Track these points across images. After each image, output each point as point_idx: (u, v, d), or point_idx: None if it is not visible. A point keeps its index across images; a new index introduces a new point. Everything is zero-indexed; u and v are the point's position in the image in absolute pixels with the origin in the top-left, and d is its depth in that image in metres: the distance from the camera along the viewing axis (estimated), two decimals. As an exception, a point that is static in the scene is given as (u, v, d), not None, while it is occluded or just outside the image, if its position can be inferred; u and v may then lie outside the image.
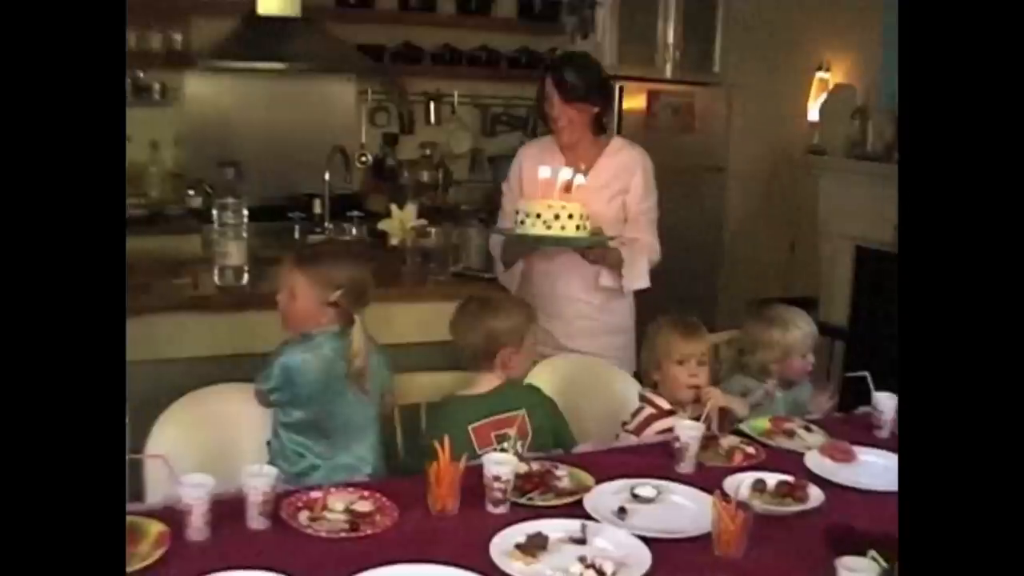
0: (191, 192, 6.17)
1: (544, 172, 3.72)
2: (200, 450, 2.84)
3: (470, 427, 2.97)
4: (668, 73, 7.03)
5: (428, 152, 7.01)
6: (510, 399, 3.10)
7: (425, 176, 6.87)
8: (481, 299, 3.24)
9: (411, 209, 4.74)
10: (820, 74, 7.13)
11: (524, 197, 3.88)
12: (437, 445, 2.52)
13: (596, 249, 3.80)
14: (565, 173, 3.69)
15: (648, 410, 3.20)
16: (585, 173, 3.85)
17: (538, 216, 3.56)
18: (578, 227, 3.58)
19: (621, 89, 6.80)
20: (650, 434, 3.14)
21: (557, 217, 3.55)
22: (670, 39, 6.98)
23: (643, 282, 4.05)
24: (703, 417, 2.97)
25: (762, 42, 7.16)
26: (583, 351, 3.87)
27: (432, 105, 7.07)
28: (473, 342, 3.12)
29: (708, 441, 2.94)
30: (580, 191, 3.78)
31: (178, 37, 6.24)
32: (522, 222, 3.61)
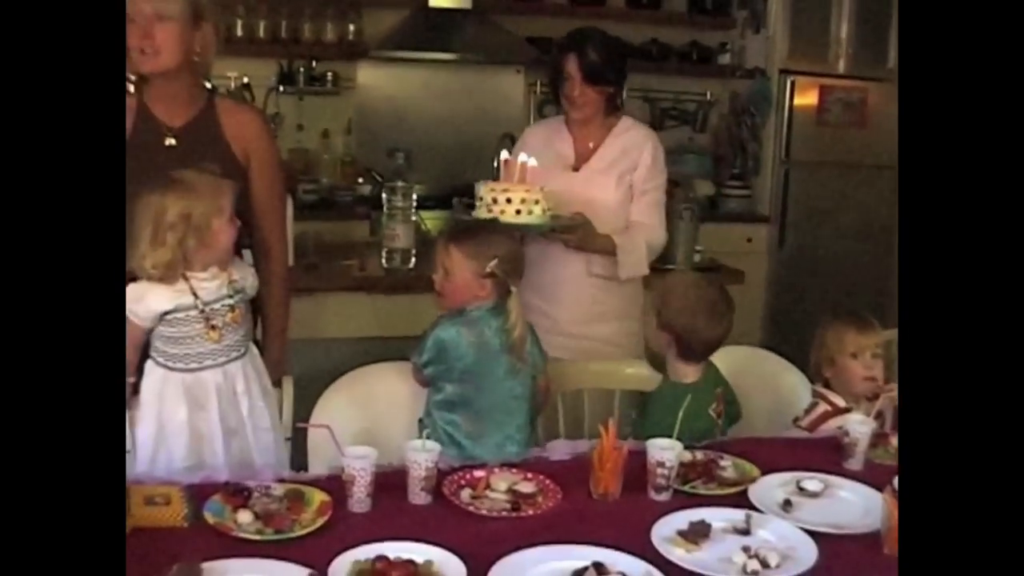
0: (361, 180, 6.26)
1: (504, 154, 3.66)
2: (358, 427, 2.87)
3: (711, 410, 3.00)
4: (841, 68, 6.87)
5: (596, 145, 6.98)
6: (714, 375, 3.16)
7: (593, 168, 6.84)
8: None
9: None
10: (1001, 69, 6.91)
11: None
12: (602, 429, 2.51)
13: (573, 234, 3.60)
14: (523, 157, 3.57)
15: (823, 406, 3.12)
16: (592, 152, 3.80)
17: (481, 199, 3.49)
18: (519, 211, 3.42)
19: (792, 84, 6.72)
20: (825, 431, 3.06)
21: (495, 201, 3.44)
22: (843, 33, 6.83)
23: (640, 269, 3.80)
24: (873, 413, 2.89)
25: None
26: (590, 337, 3.68)
27: (601, 98, 7.03)
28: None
29: (878, 439, 2.85)
30: (586, 171, 3.76)
31: (352, 28, 6.32)
32: (489, 210, 3.49)
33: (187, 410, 2.67)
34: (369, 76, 6.55)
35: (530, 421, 3.02)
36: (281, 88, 6.32)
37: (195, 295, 2.65)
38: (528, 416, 3.00)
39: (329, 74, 6.39)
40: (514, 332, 2.92)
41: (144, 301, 2.62)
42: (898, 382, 1.72)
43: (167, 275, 2.62)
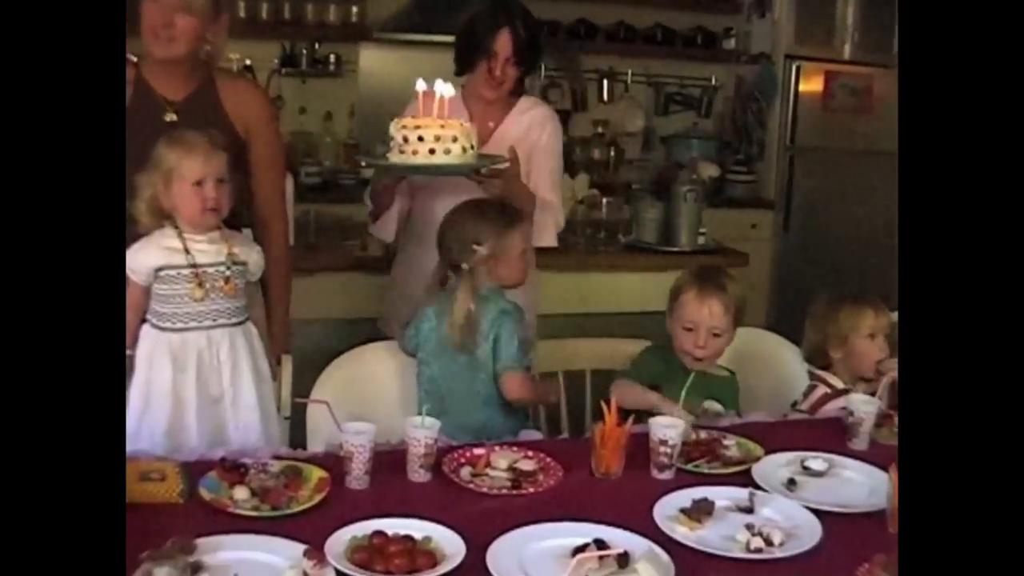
0: (363, 163, 6.22)
1: (421, 84, 3.14)
2: (357, 406, 2.82)
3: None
4: (846, 54, 6.83)
5: (600, 130, 6.94)
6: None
7: (596, 153, 6.80)
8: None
9: (583, 180, 4.70)
10: (1008, 55, 6.88)
11: None
12: (604, 406, 2.48)
13: (498, 178, 3.16)
14: (443, 88, 3.08)
15: (822, 389, 3.09)
16: (492, 133, 3.49)
17: (392, 140, 3.02)
18: (432, 151, 2.97)
19: (798, 69, 6.67)
20: (825, 415, 3.03)
21: (406, 140, 2.98)
22: (849, 19, 6.78)
23: (549, 238, 3.52)
24: (878, 393, 2.86)
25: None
26: None
27: (605, 83, 6.99)
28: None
29: (883, 419, 2.82)
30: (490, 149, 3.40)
31: (354, 10, 6.28)
32: (400, 151, 3.01)
33: (171, 372, 2.68)
34: (372, 58, 6.50)
35: (497, 417, 2.92)
36: (283, 71, 6.28)
37: (187, 251, 2.68)
38: (487, 416, 2.90)
39: (332, 56, 6.34)
40: (453, 318, 2.83)
41: (138, 256, 2.66)
42: (898, 363, 1.68)
43: (148, 221, 2.68)
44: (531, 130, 3.55)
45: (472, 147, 3.04)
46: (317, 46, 6.31)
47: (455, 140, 2.98)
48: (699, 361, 2.97)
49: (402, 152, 2.99)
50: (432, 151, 2.96)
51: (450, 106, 3.24)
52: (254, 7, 6.04)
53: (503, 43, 3.36)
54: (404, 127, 2.99)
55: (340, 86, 6.44)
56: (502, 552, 2.02)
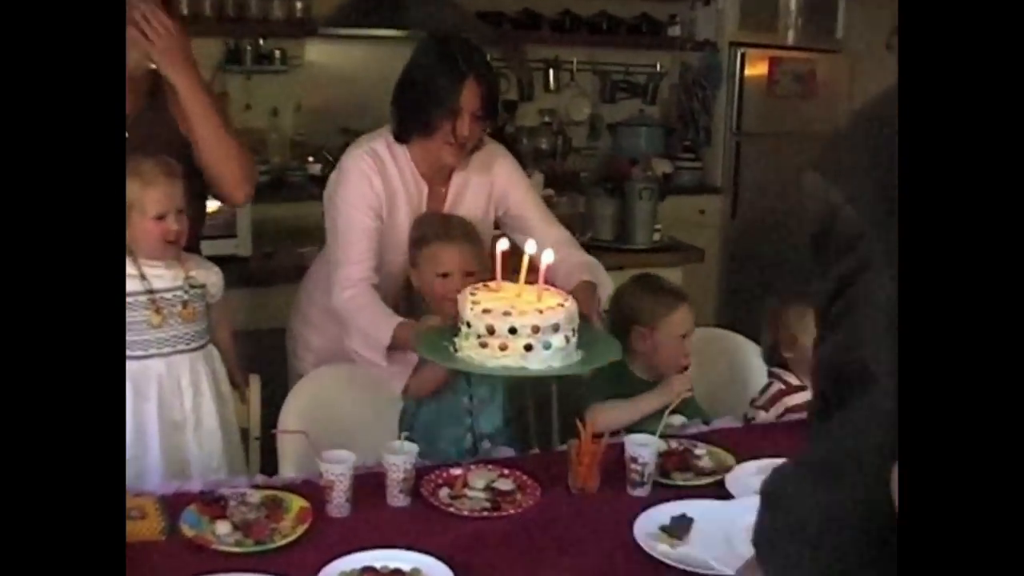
0: (311, 159, 6.18)
1: (502, 244, 2.48)
2: (328, 426, 2.77)
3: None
4: (790, 40, 6.88)
5: (547, 119, 6.95)
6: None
7: (544, 143, 6.80)
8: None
9: (538, 179, 4.69)
10: (947, 41, 6.95)
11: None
12: (579, 423, 2.49)
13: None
14: (530, 248, 2.45)
15: (777, 385, 3.13)
16: (445, 192, 3.01)
17: (483, 332, 2.29)
18: (550, 345, 2.28)
19: (743, 56, 6.70)
20: (779, 410, 3.06)
21: (514, 332, 2.25)
22: (792, 5, 6.83)
23: (609, 283, 2.98)
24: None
25: (887, 8, 6.98)
26: None
27: (551, 72, 6.99)
28: None
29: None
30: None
31: (299, 5, 6.22)
32: (482, 344, 2.30)
33: (133, 400, 2.62)
34: (318, 53, 6.45)
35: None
36: (228, 67, 6.22)
37: (143, 277, 2.63)
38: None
39: (277, 52, 6.28)
40: None
41: None
42: (898, 366, 1.67)
43: None
44: (479, 170, 3.03)
45: (575, 330, 2.36)
46: (262, 42, 6.24)
47: (556, 330, 2.29)
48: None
49: (484, 346, 2.28)
50: (529, 347, 2.28)
51: (407, 180, 2.97)
52: (197, 3, 5.95)
53: (469, 96, 2.79)
54: (487, 311, 2.28)
55: (286, 82, 6.38)
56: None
